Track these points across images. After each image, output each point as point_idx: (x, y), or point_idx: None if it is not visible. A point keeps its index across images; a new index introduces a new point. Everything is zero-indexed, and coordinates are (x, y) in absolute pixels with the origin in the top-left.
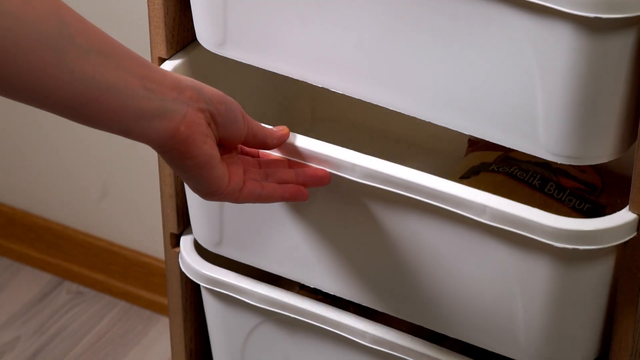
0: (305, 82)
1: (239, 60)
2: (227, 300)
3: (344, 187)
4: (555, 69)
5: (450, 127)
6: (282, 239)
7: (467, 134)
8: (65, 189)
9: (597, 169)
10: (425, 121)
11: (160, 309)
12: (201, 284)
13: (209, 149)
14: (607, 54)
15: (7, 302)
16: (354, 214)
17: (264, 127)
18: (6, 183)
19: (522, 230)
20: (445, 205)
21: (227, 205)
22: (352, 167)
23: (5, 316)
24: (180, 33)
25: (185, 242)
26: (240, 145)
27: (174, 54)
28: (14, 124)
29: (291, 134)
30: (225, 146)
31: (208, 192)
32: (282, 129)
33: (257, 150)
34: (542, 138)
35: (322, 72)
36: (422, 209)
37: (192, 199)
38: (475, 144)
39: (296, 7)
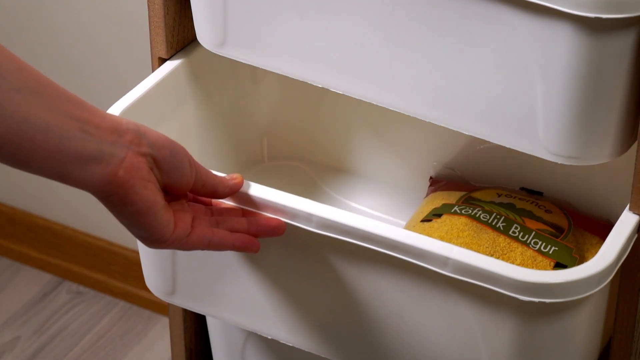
0: (260, 120)
1: (239, 60)
2: None
3: (300, 237)
4: (556, 68)
5: (450, 127)
6: (238, 289)
7: (467, 133)
8: (65, 189)
9: (563, 209)
10: (385, 158)
11: (160, 309)
12: None
13: (150, 194)
14: (608, 54)
15: (7, 302)
16: (311, 264)
17: (214, 175)
18: (6, 183)
19: (486, 283)
20: (405, 256)
21: (180, 254)
22: (309, 217)
23: (5, 316)
24: (180, 33)
25: None
26: (191, 194)
27: (174, 54)
28: None
29: (245, 181)
30: (173, 193)
31: (152, 240)
32: (234, 178)
33: (210, 199)
34: (542, 138)
35: (321, 72)
36: (382, 260)
37: (143, 247)
38: (437, 183)
39: (296, 7)
